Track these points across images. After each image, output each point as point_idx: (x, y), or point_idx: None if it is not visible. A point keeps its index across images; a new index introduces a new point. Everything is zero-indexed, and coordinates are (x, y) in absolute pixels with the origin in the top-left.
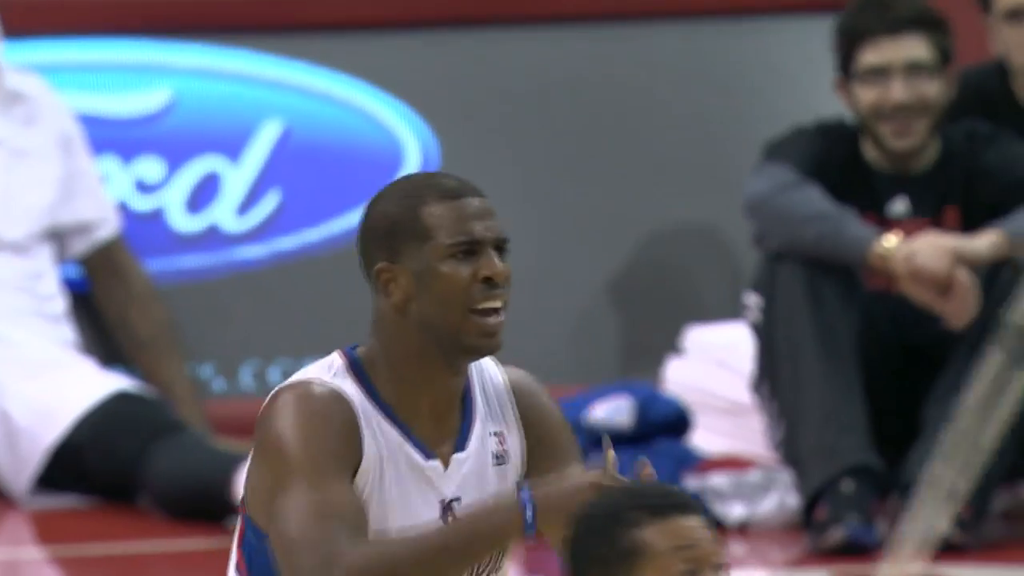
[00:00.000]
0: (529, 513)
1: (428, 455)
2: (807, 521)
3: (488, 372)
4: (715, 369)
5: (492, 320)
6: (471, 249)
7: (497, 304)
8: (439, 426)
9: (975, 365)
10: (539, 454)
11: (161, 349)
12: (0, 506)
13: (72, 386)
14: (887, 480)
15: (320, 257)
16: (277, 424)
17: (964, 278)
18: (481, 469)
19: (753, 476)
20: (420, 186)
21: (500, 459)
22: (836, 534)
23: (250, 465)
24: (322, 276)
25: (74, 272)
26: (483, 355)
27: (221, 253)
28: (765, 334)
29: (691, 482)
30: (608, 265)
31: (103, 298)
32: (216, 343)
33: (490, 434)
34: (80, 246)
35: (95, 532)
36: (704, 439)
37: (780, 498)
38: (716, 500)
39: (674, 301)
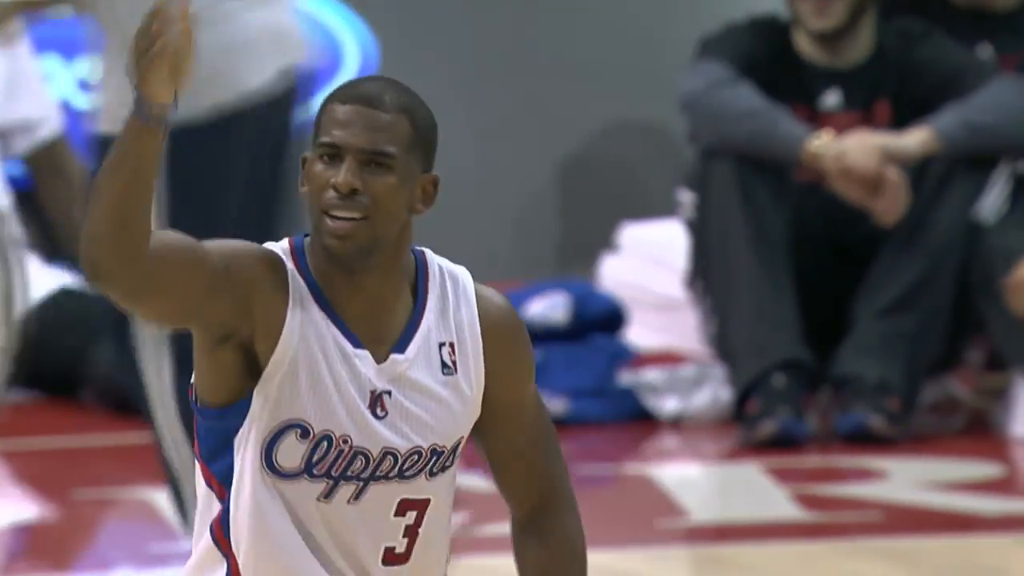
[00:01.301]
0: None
1: (356, 343)
2: (739, 414)
3: (462, 290)
4: (650, 266)
5: (339, 224)
6: (337, 154)
7: (347, 214)
8: (375, 324)
9: (903, 261)
10: (497, 385)
11: None
12: None
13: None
14: (817, 374)
15: None
16: None
17: (894, 176)
18: (427, 375)
19: (687, 371)
20: (344, 87)
21: (448, 369)
22: (767, 427)
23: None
24: None
25: (17, 170)
26: (335, 255)
27: None
28: (698, 231)
29: (626, 377)
30: (546, 164)
31: (46, 195)
32: None
33: (439, 344)
34: (23, 144)
35: (39, 426)
36: (639, 335)
37: (713, 392)
38: (650, 394)
39: (611, 199)
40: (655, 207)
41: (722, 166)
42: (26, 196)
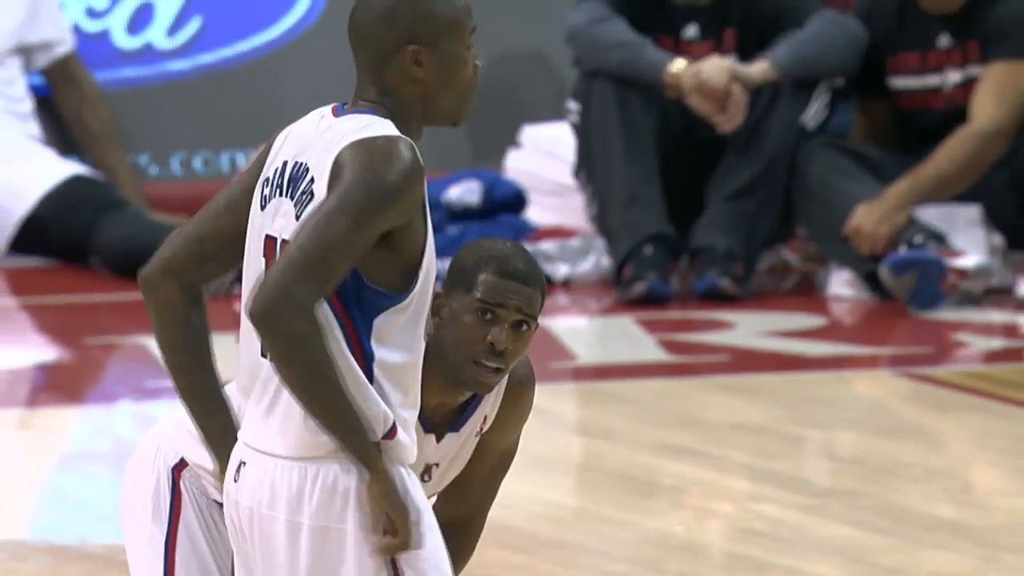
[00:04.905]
0: None
1: (427, 428)
2: (616, 278)
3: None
4: (546, 159)
5: (488, 376)
6: (495, 316)
7: (496, 366)
8: (441, 407)
9: (744, 158)
10: (491, 428)
11: (107, 142)
12: None
13: (37, 170)
14: (679, 246)
15: (234, 70)
16: None
17: (738, 93)
18: (464, 443)
19: (575, 242)
20: (493, 256)
21: (479, 435)
22: (639, 288)
23: None
24: (235, 85)
25: (38, 80)
26: (471, 391)
27: (155, 66)
28: (583, 132)
29: (527, 248)
30: None
31: (61, 101)
32: (151, 138)
33: (483, 416)
34: (43, 60)
35: (57, 286)
36: (537, 214)
37: (596, 260)
38: (546, 262)
39: (513, 106)
40: (548, 114)
41: (602, 82)
42: (45, 102)
